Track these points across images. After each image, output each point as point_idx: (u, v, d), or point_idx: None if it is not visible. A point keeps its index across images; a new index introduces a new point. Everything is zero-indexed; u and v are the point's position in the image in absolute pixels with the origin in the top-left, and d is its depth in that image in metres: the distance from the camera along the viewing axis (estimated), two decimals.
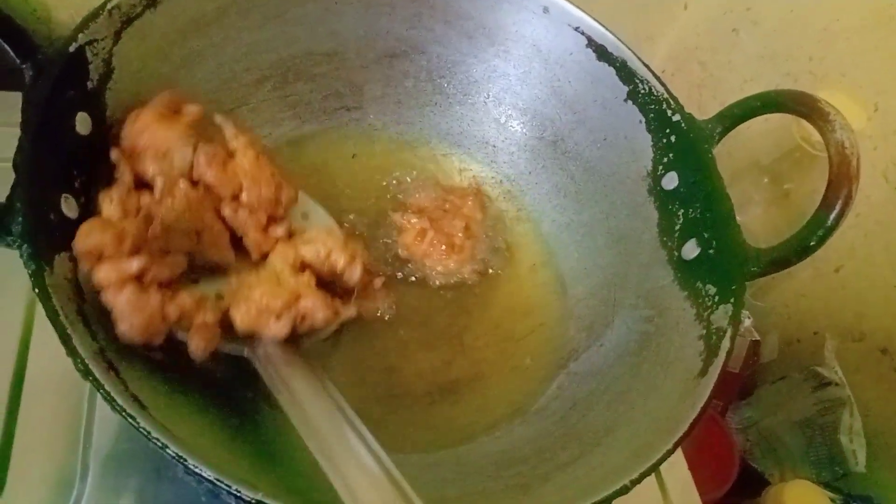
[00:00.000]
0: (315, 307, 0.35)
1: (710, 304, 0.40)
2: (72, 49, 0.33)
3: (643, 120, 0.46)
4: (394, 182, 0.52)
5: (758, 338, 0.76)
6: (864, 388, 0.67)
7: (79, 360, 0.27)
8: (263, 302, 0.34)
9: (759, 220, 0.69)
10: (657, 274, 0.44)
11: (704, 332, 0.39)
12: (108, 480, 0.39)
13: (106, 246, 0.30)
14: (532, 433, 0.42)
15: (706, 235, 0.42)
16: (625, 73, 0.46)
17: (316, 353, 0.37)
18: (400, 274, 0.48)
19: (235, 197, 0.37)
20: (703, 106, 0.79)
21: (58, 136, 0.32)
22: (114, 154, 0.34)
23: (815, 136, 0.48)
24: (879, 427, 0.66)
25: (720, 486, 0.68)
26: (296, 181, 0.40)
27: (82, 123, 0.34)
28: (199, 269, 0.36)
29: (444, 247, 0.48)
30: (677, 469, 0.51)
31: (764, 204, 0.70)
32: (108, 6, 0.35)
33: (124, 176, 0.34)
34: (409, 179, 0.52)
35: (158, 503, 0.39)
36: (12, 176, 0.29)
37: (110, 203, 0.33)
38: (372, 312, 0.43)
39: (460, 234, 0.48)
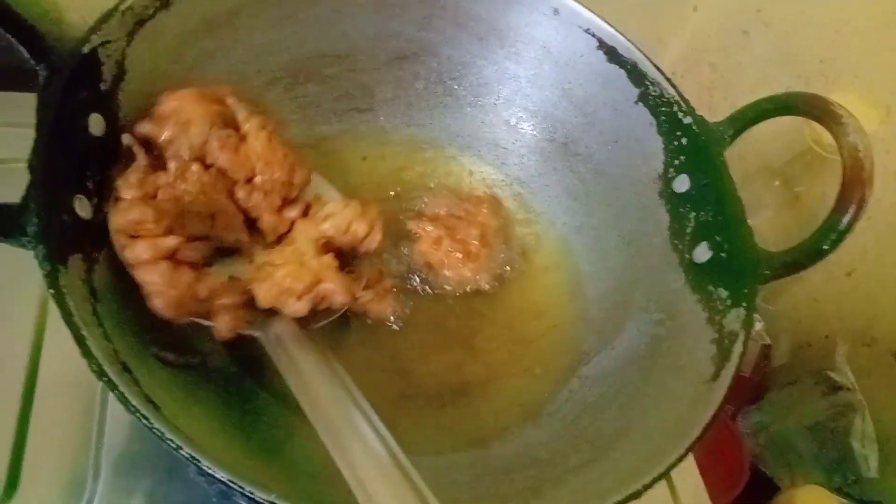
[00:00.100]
0: (335, 290, 0.36)
1: (721, 307, 0.40)
2: (85, 50, 0.33)
3: (654, 122, 0.45)
4: (405, 186, 0.52)
5: (769, 341, 0.75)
6: (875, 392, 0.66)
7: (93, 362, 0.27)
8: (286, 284, 0.35)
9: (769, 223, 0.69)
10: (668, 277, 0.44)
11: (717, 335, 0.39)
12: (120, 481, 0.40)
13: (146, 221, 0.32)
14: (544, 436, 0.42)
15: (718, 238, 0.42)
16: (636, 75, 0.46)
17: (327, 343, 0.37)
18: (415, 280, 0.48)
19: (249, 180, 0.38)
20: (713, 108, 0.78)
21: (71, 138, 0.32)
22: (126, 139, 0.35)
23: (827, 138, 0.48)
24: (891, 432, 0.66)
25: (730, 491, 0.67)
26: (308, 161, 0.40)
27: (95, 124, 0.34)
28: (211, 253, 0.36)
29: (459, 255, 0.47)
30: (688, 473, 0.51)
31: (775, 207, 0.69)
32: (121, 7, 0.35)
33: (140, 159, 0.35)
34: (420, 184, 0.52)
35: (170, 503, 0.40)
36: (26, 177, 0.29)
37: (129, 186, 0.33)
38: (384, 314, 0.43)
39: (476, 242, 0.48)
